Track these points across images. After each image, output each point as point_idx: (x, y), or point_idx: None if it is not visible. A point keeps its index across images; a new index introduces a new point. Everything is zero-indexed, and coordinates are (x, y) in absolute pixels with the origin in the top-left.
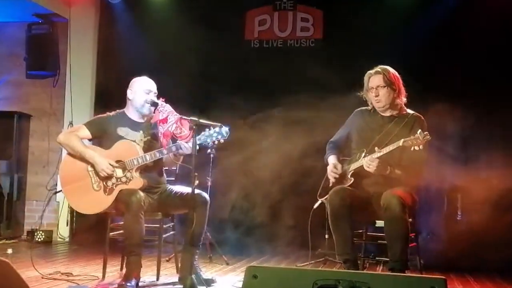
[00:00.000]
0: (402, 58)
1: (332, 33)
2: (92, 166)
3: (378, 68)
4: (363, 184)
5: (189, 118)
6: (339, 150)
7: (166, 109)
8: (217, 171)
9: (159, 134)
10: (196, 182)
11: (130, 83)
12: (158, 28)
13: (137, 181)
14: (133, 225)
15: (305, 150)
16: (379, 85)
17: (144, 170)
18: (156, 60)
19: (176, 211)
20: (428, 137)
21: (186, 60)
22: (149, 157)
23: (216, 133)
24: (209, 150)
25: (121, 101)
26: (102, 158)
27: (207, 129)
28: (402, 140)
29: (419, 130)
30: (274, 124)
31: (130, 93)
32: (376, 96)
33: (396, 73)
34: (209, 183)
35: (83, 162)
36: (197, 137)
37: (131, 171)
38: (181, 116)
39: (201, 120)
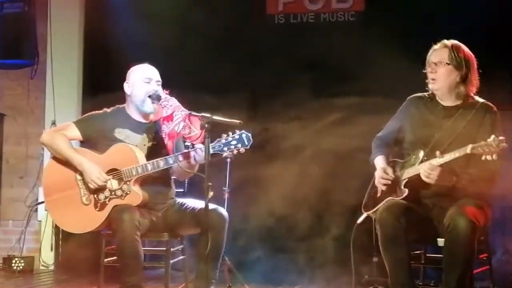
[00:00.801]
0: (465, 34)
1: (375, 4)
2: (81, 174)
3: (446, 41)
4: (421, 195)
5: (200, 115)
6: (389, 148)
7: (171, 103)
8: (236, 179)
9: (164, 135)
10: (210, 194)
11: (127, 74)
12: (160, 5)
13: (134, 196)
14: (126, 250)
15: (348, 149)
16: (440, 61)
17: (146, 182)
18: (159, 44)
19: (186, 231)
20: (504, 144)
21: (194, 43)
22: (150, 167)
23: (235, 140)
24: (225, 154)
25: (117, 95)
26: (92, 166)
27: (224, 136)
28: (470, 146)
29: (492, 136)
30: (307, 119)
31: (127, 87)
32: (432, 73)
33: (471, 54)
34: (227, 195)
35: (70, 169)
36: (211, 145)
37: (128, 183)
38: (190, 112)
39: (215, 117)
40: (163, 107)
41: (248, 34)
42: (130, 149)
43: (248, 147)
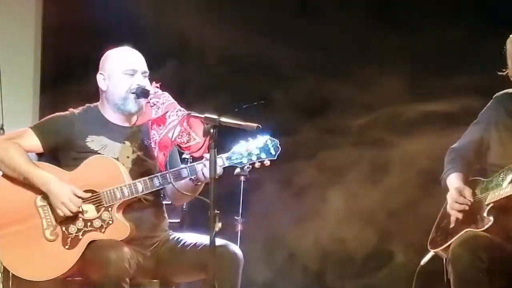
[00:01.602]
0: None
1: None
2: (45, 197)
3: None
4: (510, 226)
5: (203, 116)
6: (467, 164)
7: (162, 101)
8: (252, 205)
9: (153, 144)
10: (218, 226)
11: (101, 62)
12: None
13: (119, 227)
14: None
15: (409, 166)
16: None
17: (132, 208)
18: (145, 22)
19: (184, 276)
20: None
21: (191, 21)
22: (141, 187)
23: (258, 149)
24: (237, 170)
25: (88, 93)
26: (62, 184)
27: (241, 143)
28: None
29: None
30: (353, 126)
31: (101, 80)
32: None
33: None
34: (240, 227)
35: (29, 191)
36: (225, 156)
37: (110, 209)
38: (189, 112)
39: (223, 119)
40: (152, 106)
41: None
42: (112, 164)
43: (275, 158)
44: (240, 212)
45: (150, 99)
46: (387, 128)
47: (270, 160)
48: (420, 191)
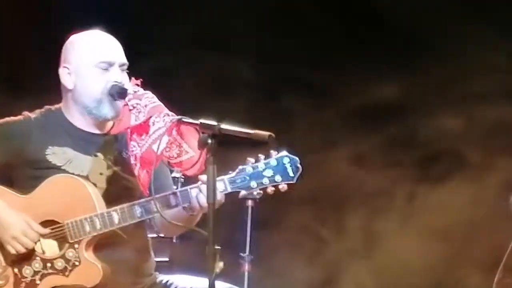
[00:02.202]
0: None
1: None
2: None
3: None
4: None
5: (198, 122)
6: None
7: (145, 102)
8: (263, 238)
9: (132, 159)
10: (220, 266)
11: (64, 52)
12: None
13: (89, 271)
14: None
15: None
16: None
17: (106, 244)
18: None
19: None
20: None
21: None
22: (118, 218)
23: (272, 169)
24: (243, 192)
25: (51, 89)
26: (13, 214)
27: (250, 161)
28: None
29: None
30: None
31: (65, 75)
32: None
33: None
34: (247, 267)
35: None
36: (230, 178)
37: (76, 246)
38: (179, 117)
39: (225, 126)
40: (130, 110)
41: None
42: (79, 185)
43: (294, 181)
44: (248, 247)
45: (129, 101)
46: None
47: (288, 184)
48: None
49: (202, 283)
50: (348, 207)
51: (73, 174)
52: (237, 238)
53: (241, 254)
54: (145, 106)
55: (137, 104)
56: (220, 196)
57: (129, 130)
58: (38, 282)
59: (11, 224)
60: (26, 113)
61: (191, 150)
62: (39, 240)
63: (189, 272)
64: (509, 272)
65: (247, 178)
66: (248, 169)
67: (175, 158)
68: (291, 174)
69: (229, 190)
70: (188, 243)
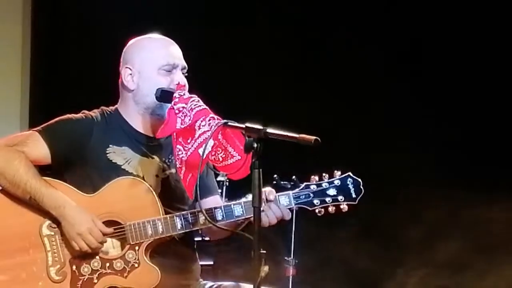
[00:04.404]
0: None
1: None
2: (53, 225)
3: None
4: None
5: (244, 126)
6: None
7: (190, 106)
8: (309, 242)
9: (178, 163)
10: (265, 270)
11: (125, 53)
12: None
13: (147, 274)
14: None
15: None
16: None
17: (158, 248)
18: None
19: None
20: None
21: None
22: (180, 224)
23: (335, 189)
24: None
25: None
26: (80, 211)
27: (314, 180)
28: None
29: None
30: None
31: (128, 76)
32: None
33: None
34: (292, 271)
35: (34, 213)
36: (293, 193)
37: (137, 249)
38: (225, 121)
39: (271, 130)
40: (176, 113)
41: None
42: (145, 188)
43: (356, 202)
44: (292, 251)
45: (175, 105)
46: None
47: (349, 205)
48: None
49: None
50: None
51: (131, 174)
52: (282, 242)
53: (286, 258)
54: (191, 109)
55: (183, 107)
56: (286, 212)
57: (175, 134)
58: (95, 281)
59: (78, 220)
60: (86, 111)
61: (236, 154)
62: (103, 240)
63: (233, 277)
64: None
65: (311, 195)
66: (313, 186)
67: (221, 162)
68: (354, 195)
69: (293, 205)
70: (232, 247)
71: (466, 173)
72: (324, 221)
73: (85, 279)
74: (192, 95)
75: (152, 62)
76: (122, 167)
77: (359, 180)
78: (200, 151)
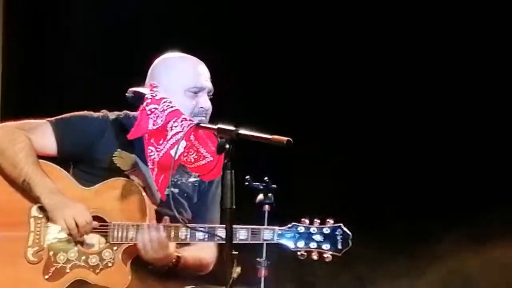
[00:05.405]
0: None
1: None
2: (43, 208)
3: None
4: None
5: (216, 127)
6: None
7: (162, 107)
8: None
9: (150, 164)
10: (237, 271)
11: (153, 69)
12: None
13: (118, 275)
14: None
15: None
16: None
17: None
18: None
19: None
20: None
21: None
22: (172, 234)
23: (322, 235)
24: (260, 197)
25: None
26: (72, 201)
27: (304, 223)
28: None
29: None
30: None
31: (153, 91)
32: None
33: None
34: (264, 272)
35: (28, 195)
36: (280, 231)
37: (115, 248)
38: (197, 122)
39: (243, 131)
40: (148, 114)
41: None
42: (139, 193)
43: (340, 254)
44: (264, 252)
45: (147, 106)
46: None
47: (333, 255)
48: None
49: None
50: None
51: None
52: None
53: (258, 259)
54: (163, 110)
55: (155, 108)
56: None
57: (146, 135)
58: (68, 270)
59: (72, 203)
60: (105, 111)
61: (208, 155)
62: (86, 231)
63: (205, 279)
64: None
65: (297, 235)
66: (300, 228)
67: (193, 163)
68: (339, 247)
69: (275, 241)
70: None
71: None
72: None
73: (58, 267)
74: (165, 97)
75: (181, 82)
76: (126, 172)
77: (349, 233)
78: (172, 152)
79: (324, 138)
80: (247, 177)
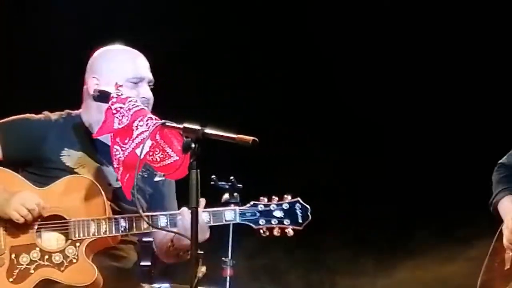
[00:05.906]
0: None
1: None
2: None
3: None
4: None
5: (182, 126)
6: None
7: (128, 106)
8: (246, 244)
9: (115, 163)
10: (202, 270)
11: (92, 62)
12: None
13: (84, 270)
14: None
15: None
16: None
17: (104, 253)
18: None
19: None
20: None
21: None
22: (124, 226)
23: (282, 211)
24: (225, 196)
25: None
26: (24, 191)
27: (263, 200)
28: None
29: None
30: None
31: (94, 86)
32: None
33: None
34: (229, 272)
35: None
36: (240, 210)
37: (78, 245)
38: (163, 121)
39: (208, 131)
40: (114, 113)
41: None
42: (95, 189)
43: (301, 228)
44: (230, 252)
45: (112, 105)
46: None
47: (294, 230)
48: None
49: None
50: None
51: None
52: (219, 243)
53: (223, 258)
54: (129, 110)
55: (120, 108)
56: (208, 223)
57: (112, 134)
58: (32, 271)
59: (16, 194)
60: (46, 113)
61: (174, 154)
62: (34, 209)
63: (170, 278)
64: (492, 272)
65: (257, 213)
66: (260, 206)
67: (159, 162)
68: (300, 221)
69: (238, 221)
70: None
71: None
72: None
73: (22, 269)
74: (130, 96)
75: (120, 74)
76: (75, 170)
77: (308, 206)
78: (138, 151)
79: (324, 138)
80: (212, 176)
